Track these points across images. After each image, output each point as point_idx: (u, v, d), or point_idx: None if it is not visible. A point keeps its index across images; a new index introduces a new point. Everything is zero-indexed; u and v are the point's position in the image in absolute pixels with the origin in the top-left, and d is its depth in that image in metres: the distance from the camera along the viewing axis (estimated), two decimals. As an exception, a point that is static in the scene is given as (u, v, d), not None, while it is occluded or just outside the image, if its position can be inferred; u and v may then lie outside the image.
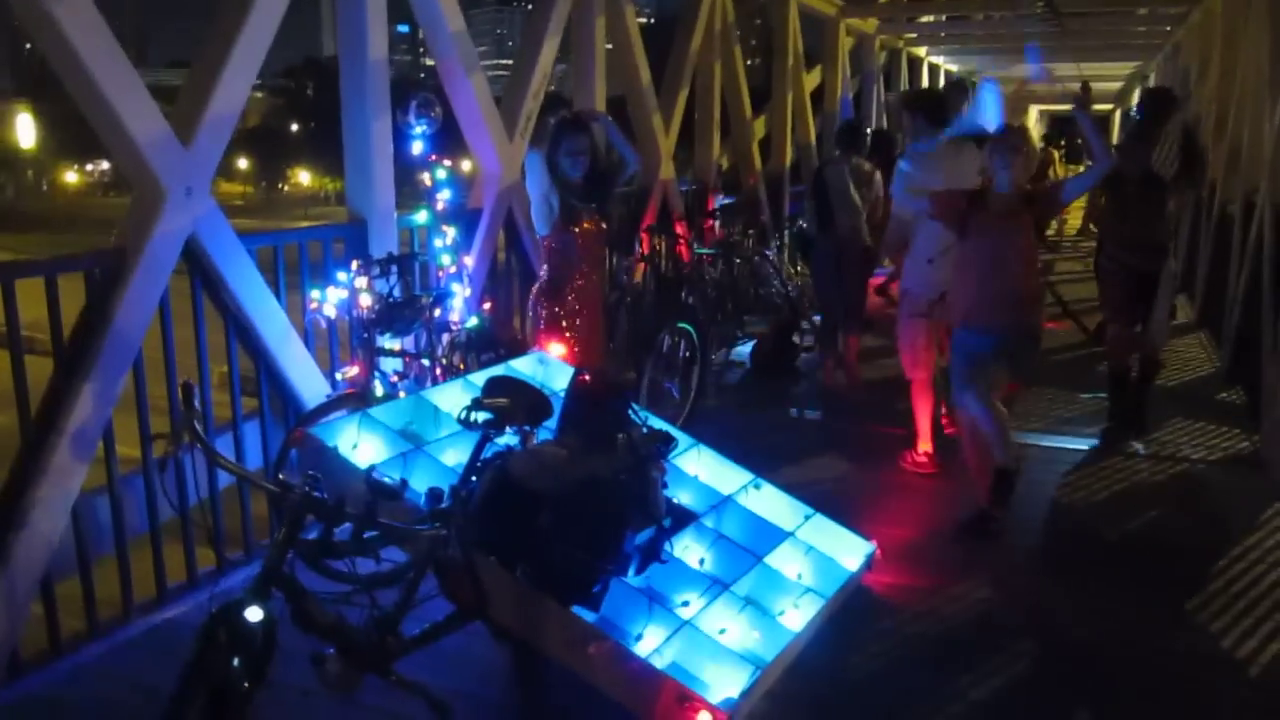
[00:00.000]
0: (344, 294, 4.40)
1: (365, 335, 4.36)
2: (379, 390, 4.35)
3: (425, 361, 4.90)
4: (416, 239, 5.36)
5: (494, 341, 5.17)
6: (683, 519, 3.89)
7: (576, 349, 5.00)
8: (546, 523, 3.19)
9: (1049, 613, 4.19)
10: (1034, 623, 4.09)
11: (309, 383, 4.55)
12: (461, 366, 5.18)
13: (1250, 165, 7.61)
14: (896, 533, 4.77)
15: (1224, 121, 8.92)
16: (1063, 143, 19.90)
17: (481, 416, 3.05)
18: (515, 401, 3.18)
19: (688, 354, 6.10)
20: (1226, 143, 8.66)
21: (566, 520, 3.19)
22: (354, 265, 4.36)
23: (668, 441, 3.79)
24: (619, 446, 3.57)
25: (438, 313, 5.20)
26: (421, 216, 5.22)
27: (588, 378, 3.79)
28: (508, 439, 3.24)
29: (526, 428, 3.30)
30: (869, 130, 8.26)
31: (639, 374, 6.38)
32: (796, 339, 7.69)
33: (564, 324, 5.04)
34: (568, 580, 3.22)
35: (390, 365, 4.77)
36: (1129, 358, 6.31)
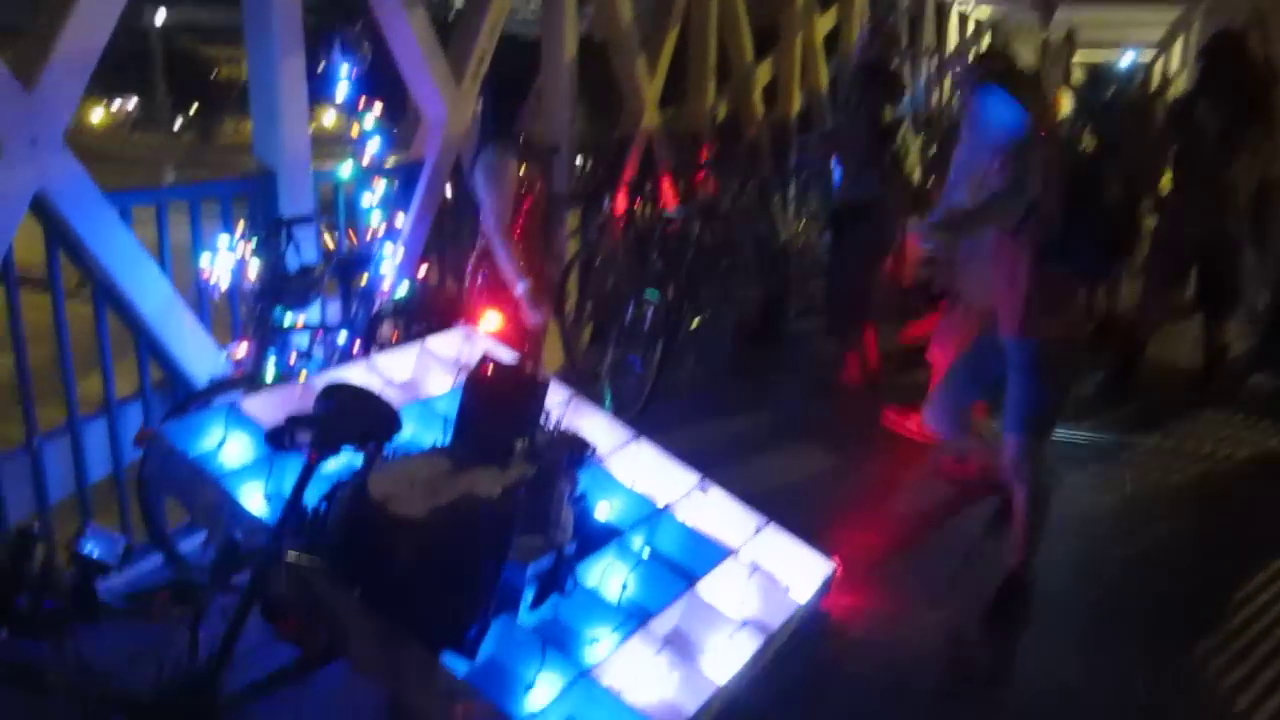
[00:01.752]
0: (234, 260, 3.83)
1: (256, 309, 3.79)
2: (271, 372, 3.78)
3: (344, 336, 4.34)
4: (342, 197, 4.77)
5: (427, 311, 4.59)
6: (600, 538, 3.32)
7: (511, 325, 4.40)
8: (408, 554, 2.63)
9: (1034, 652, 3.61)
10: (1017, 665, 3.52)
11: (202, 360, 3.99)
12: (395, 338, 4.62)
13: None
14: (871, 541, 4.20)
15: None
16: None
17: (304, 435, 2.48)
18: (346, 415, 2.61)
19: (653, 325, 5.48)
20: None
21: (432, 551, 2.62)
22: (239, 229, 3.77)
23: (581, 449, 3.22)
24: (516, 456, 3.01)
25: (364, 280, 4.65)
26: (345, 169, 4.62)
27: (489, 368, 3.20)
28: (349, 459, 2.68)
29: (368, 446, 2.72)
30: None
31: (604, 345, 5.80)
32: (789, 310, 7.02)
33: (498, 294, 4.42)
34: (435, 623, 2.66)
35: (300, 342, 4.20)
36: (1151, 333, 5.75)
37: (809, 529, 3.82)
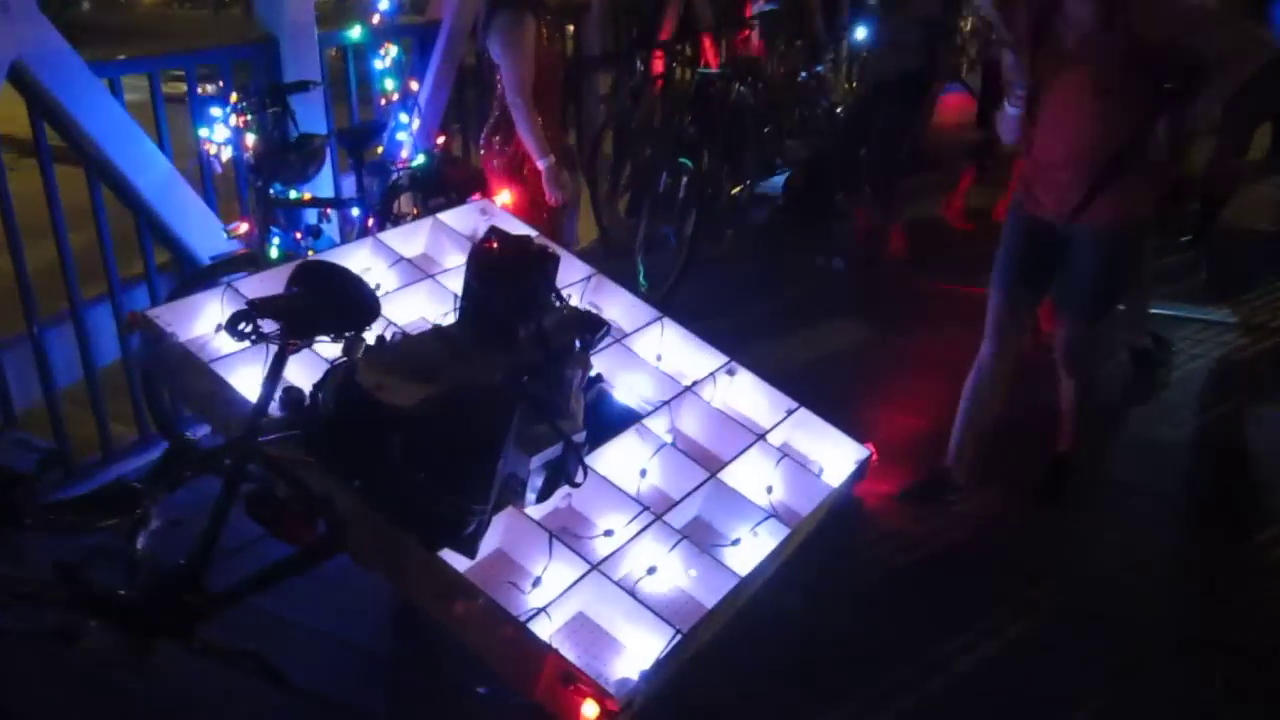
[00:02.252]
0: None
1: (255, 184, 3.57)
2: (274, 251, 3.59)
3: (356, 211, 4.12)
4: (352, 62, 4.48)
5: (446, 184, 4.34)
6: (619, 422, 3.14)
7: (531, 200, 4.14)
8: (398, 447, 2.46)
9: (1081, 541, 3.40)
10: (1058, 559, 3.31)
11: (206, 239, 3.81)
12: (415, 212, 4.39)
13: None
14: (910, 424, 3.96)
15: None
16: None
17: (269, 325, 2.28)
18: (319, 302, 2.40)
19: (688, 195, 5.17)
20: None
21: (423, 444, 2.45)
22: (233, 98, 3.53)
23: (595, 330, 3.00)
24: (521, 339, 2.80)
25: (378, 152, 4.41)
26: (355, 32, 4.33)
27: (494, 243, 2.97)
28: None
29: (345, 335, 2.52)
30: None
31: (637, 217, 5.52)
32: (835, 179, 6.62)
33: (515, 167, 4.16)
34: (430, 519, 2.51)
35: (309, 218, 4.00)
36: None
37: (845, 412, 3.61)
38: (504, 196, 4.08)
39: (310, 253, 3.73)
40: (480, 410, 2.48)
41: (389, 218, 4.21)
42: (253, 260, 3.54)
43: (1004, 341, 3.36)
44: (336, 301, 2.46)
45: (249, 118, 3.49)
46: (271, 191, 3.58)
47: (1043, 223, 3.20)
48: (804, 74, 7.49)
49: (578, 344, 2.92)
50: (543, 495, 2.74)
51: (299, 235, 3.73)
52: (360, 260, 3.49)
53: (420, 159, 4.41)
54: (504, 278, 2.92)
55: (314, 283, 2.46)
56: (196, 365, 2.88)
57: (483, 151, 4.24)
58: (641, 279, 5.28)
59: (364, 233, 4.06)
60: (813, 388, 3.63)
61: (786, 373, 3.73)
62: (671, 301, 5.06)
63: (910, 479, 3.56)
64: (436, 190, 4.32)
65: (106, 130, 3.43)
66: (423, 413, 2.46)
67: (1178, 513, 3.55)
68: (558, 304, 2.98)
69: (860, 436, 3.47)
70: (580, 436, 2.78)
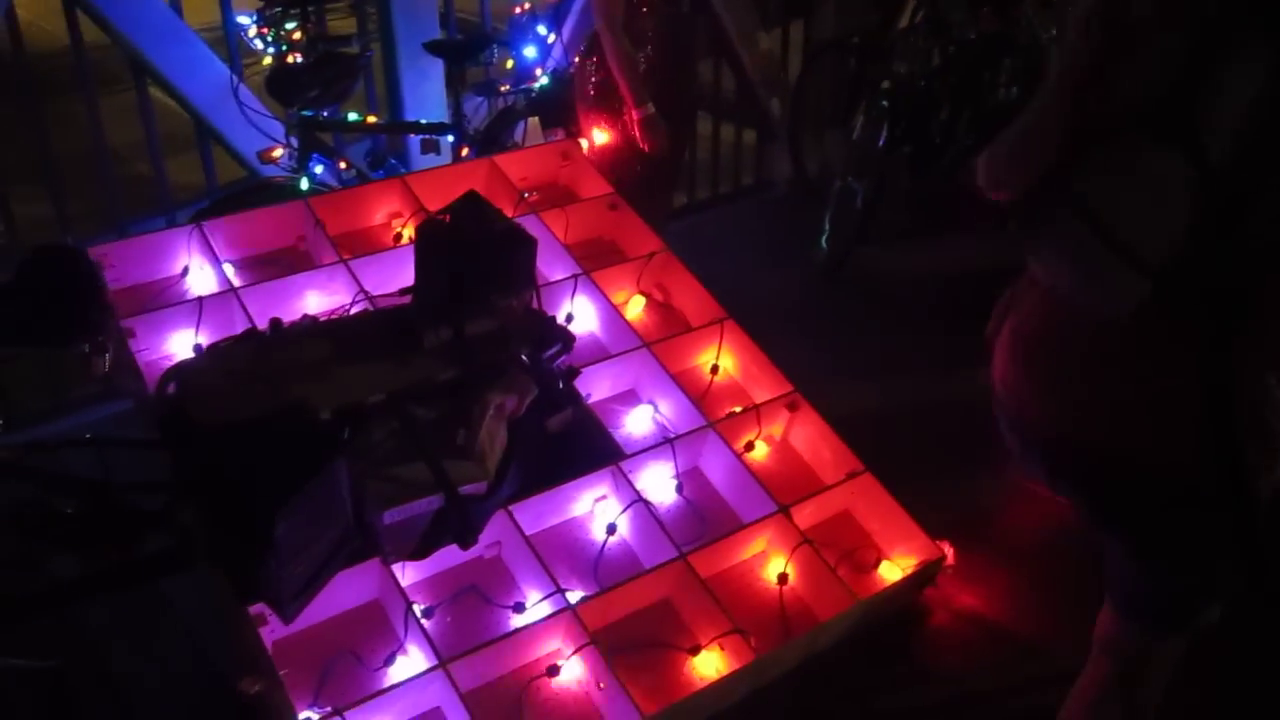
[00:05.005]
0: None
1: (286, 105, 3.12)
2: (304, 183, 3.14)
3: (451, 139, 3.57)
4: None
5: (564, 114, 3.68)
6: (595, 456, 2.43)
7: (623, 142, 3.37)
8: (195, 469, 1.95)
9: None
10: None
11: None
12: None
13: None
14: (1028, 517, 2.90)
15: None
16: None
17: None
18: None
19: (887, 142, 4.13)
20: None
21: (216, 473, 1.92)
22: (259, 4, 3.06)
23: (544, 344, 2.29)
24: (428, 348, 2.17)
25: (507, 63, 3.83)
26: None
27: (448, 218, 2.33)
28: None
29: None
30: None
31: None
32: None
33: (612, 99, 3.35)
34: (239, 567, 1.99)
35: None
36: None
37: (940, 485, 2.66)
38: (600, 137, 3.35)
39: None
40: (286, 450, 1.90)
41: (492, 148, 3.64)
42: (279, 190, 3.12)
43: None
44: (42, 307, 1.94)
45: (270, 30, 3.02)
46: (307, 114, 3.11)
47: None
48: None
49: (509, 362, 2.24)
50: (419, 552, 2.13)
51: (344, 164, 3.25)
52: (368, 201, 2.96)
53: (543, 80, 3.80)
54: (435, 265, 2.29)
55: (28, 279, 1.95)
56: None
57: (574, 73, 3.46)
58: (823, 240, 4.38)
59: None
60: (908, 445, 2.71)
61: (881, 416, 2.82)
62: (838, 276, 4.17)
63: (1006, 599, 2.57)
64: (558, 119, 3.69)
65: (142, 27, 3.10)
66: (222, 437, 1.92)
67: None
68: (511, 304, 2.31)
69: (937, 528, 2.52)
70: (475, 488, 2.12)
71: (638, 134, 3.25)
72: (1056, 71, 1.55)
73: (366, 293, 2.62)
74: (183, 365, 2.11)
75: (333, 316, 2.41)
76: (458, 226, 2.31)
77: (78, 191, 3.60)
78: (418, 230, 2.34)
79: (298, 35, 3.06)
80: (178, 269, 2.74)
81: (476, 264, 2.27)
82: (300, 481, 1.86)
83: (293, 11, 3.06)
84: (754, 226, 4.77)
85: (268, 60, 3.16)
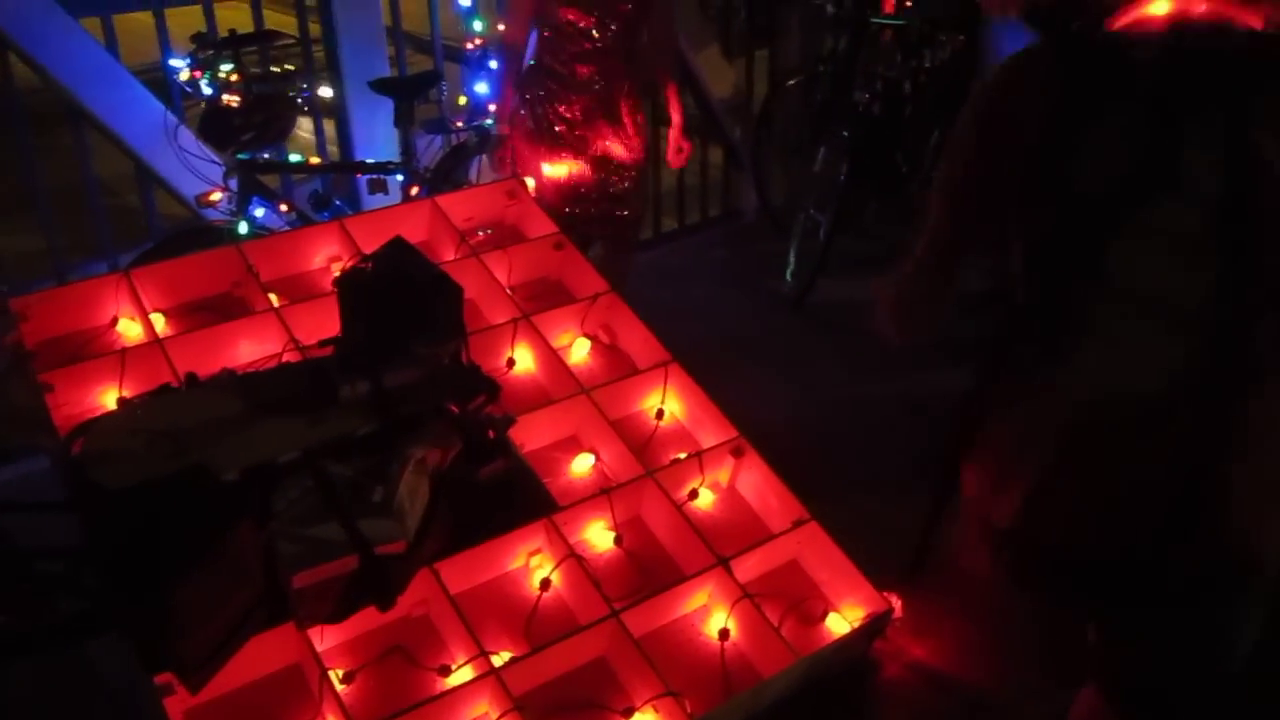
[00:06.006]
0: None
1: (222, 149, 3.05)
2: (243, 227, 3.07)
3: (399, 177, 3.51)
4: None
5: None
6: (532, 506, 2.36)
7: (565, 179, 3.30)
8: (96, 532, 1.87)
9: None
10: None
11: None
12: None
13: None
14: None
15: None
16: None
17: None
18: None
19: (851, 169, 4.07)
20: None
21: (115, 538, 1.84)
22: (192, 46, 3.01)
23: (468, 394, 2.22)
24: (344, 400, 2.10)
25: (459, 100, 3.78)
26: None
27: (369, 263, 2.26)
28: None
29: None
30: None
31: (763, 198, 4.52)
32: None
33: (557, 132, 3.29)
34: (143, 635, 1.91)
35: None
36: None
37: (890, 532, 2.58)
38: (553, 170, 3.28)
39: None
40: (187, 514, 1.82)
41: (444, 186, 3.59)
42: (216, 234, 3.05)
43: None
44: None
45: (204, 73, 2.96)
46: (242, 156, 3.05)
47: None
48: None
49: (435, 414, 2.16)
50: (336, 615, 2.05)
51: (285, 207, 3.18)
52: (305, 245, 2.89)
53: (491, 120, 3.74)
54: (356, 314, 2.22)
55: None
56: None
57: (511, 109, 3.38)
58: (789, 272, 4.33)
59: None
60: (861, 487, 2.63)
61: (836, 458, 2.75)
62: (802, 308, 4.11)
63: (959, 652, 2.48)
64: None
65: (73, 71, 3.05)
66: (122, 499, 1.85)
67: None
68: (435, 353, 2.24)
69: (885, 579, 2.44)
70: (394, 548, 2.04)
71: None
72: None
73: (297, 342, 2.55)
74: (90, 423, 2.05)
75: (250, 369, 2.32)
76: (379, 274, 2.24)
77: (67, 224, 3.54)
78: (337, 280, 2.27)
79: (234, 77, 2.99)
80: (106, 319, 2.66)
81: (398, 312, 2.20)
82: (199, 549, 1.78)
83: (226, 53, 3.00)
84: (719, 256, 4.72)
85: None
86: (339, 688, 2.05)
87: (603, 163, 3.31)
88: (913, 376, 3.41)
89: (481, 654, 2.10)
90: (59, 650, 2.11)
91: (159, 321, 2.62)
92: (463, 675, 2.10)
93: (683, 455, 2.60)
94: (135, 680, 2.01)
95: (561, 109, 3.23)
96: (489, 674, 2.08)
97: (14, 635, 2.04)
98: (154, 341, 2.52)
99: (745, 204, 5.08)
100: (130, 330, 2.64)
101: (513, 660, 2.12)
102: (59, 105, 3.11)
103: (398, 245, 2.34)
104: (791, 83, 4.77)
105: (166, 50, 3.19)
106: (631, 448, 2.54)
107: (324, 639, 2.12)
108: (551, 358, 2.73)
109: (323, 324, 2.56)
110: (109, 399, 2.45)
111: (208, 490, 1.86)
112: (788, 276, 4.32)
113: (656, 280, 4.17)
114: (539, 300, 2.92)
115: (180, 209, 3.55)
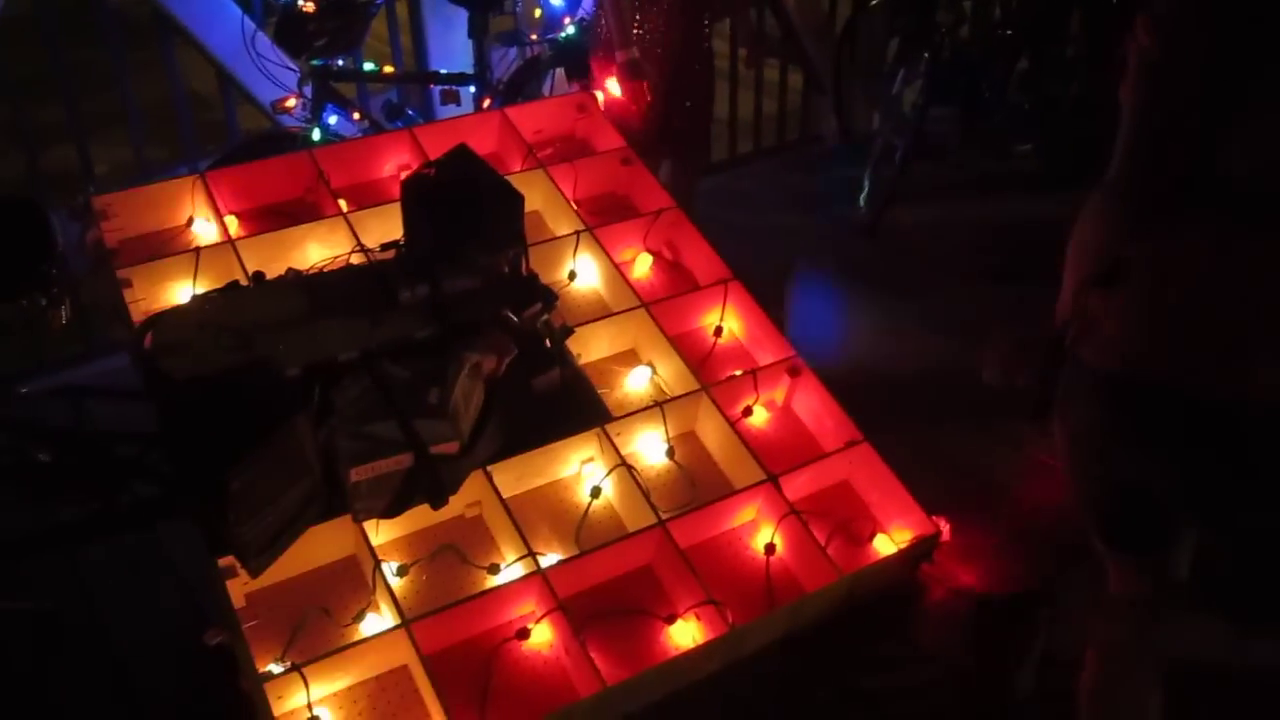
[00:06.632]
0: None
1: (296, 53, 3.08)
2: (316, 134, 3.12)
3: (471, 89, 3.53)
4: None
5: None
6: (584, 416, 2.39)
7: (644, 96, 3.27)
8: (164, 422, 1.97)
9: None
10: None
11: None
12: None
13: None
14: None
15: None
16: None
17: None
18: None
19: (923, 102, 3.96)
20: None
21: (181, 427, 1.93)
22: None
23: (525, 302, 2.25)
24: (403, 304, 2.15)
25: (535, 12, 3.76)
26: None
27: (433, 171, 2.29)
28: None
29: None
30: None
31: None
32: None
33: (635, 50, 3.24)
34: (211, 520, 2.00)
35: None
36: None
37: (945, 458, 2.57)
38: (614, 86, 3.27)
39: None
40: (248, 405, 1.89)
41: (516, 99, 3.59)
42: (291, 140, 3.10)
43: None
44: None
45: (278, -25, 2.99)
46: (316, 63, 3.08)
47: None
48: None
49: (493, 319, 2.20)
50: (391, 510, 2.12)
51: (358, 115, 3.22)
52: (375, 153, 2.93)
53: (570, 29, 3.71)
54: (417, 220, 2.26)
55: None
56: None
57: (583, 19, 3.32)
58: (863, 197, 4.25)
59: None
60: (923, 411, 2.61)
61: (895, 382, 2.72)
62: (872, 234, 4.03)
63: (1006, 581, 2.47)
64: (585, 70, 3.61)
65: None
66: (187, 389, 1.92)
67: None
68: (495, 261, 2.27)
69: (934, 504, 2.43)
70: (448, 448, 2.10)
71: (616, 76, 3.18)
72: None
73: (363, 246, 2.60)
74: (158, 316, 2.13)
75: (315, 270, 2.38)
76: (441, 181, 2.27)
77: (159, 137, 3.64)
78: (402, 185, 2.30)
79: (312, -18, 3.02)
80: (183, 219, 2.74)
81: (459, 218, 2.23)
82: (258, 439, 1.85)
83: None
84: (793, 181, 4.64)
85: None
86: (392, 580, 2.13)
87: (673, 79, 3.27)
88: (979, 303, 3.35)
89: (529, 554, 2.16)
90: (132, 532, 2.23)
91: (233, 223, 2.70)
92: (511, 574, 2.16)
93: (739, 372, 2.61)
94: (202, 563, 2.11)
95: (634, 24, 3.19)
96: (535, 574, 2.13)
97: (91, 517, 2.16)
98: (227, 242, 2.59)
99: (825, 129, 4.98)
100: (205, 231, 2.72)
101: (560, 562, 2.18)
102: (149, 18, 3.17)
103: (461, 152, 2.36)
104: (875, 2, 4.63)
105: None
106: (688, 363, 2.55)
107: (379, 533, 2.19)
108: (613, 271, 2.74)
109: (390, 230, 2.60)
110: (184, 296, 2.52)
111: (269, 384, 1.93)
112: (861, 202, 4.24)
113: (728, 201, 4.13)
114: (604, 215, 2.92)
115: (264, 120, 3.62)
